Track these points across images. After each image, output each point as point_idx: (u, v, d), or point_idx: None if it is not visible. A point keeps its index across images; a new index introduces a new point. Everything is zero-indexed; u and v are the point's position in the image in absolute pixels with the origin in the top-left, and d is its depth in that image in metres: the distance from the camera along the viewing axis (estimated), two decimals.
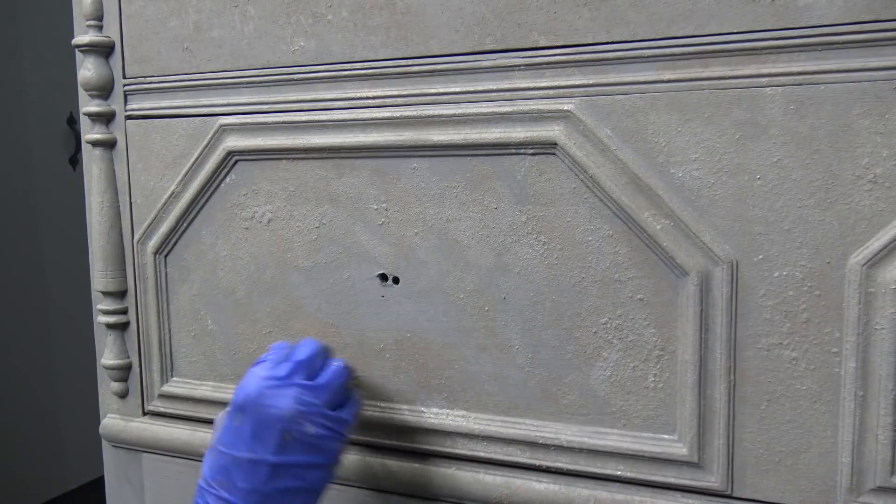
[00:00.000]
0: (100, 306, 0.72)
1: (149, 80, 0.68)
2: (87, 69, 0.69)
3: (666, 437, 0.54)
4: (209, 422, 0.70)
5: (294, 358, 0.52)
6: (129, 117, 0.69)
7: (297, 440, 0.49)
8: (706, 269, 0.51)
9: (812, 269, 0.49)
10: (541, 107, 0.54)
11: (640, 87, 0.51)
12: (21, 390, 2.45)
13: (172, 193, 0.68)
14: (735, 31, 0.49)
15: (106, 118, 0.70)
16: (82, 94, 0.71)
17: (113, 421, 0.74)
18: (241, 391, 0.51)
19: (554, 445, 0.57)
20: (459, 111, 0.57)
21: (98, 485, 2.39)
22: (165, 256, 0.70)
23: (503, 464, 0.59)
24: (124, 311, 0.72)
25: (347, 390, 0.55)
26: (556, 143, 0.54)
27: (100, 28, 0.69)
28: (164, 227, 0.69)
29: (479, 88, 0.56)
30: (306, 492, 0.49)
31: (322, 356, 0.54)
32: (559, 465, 0.57)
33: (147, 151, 0.69)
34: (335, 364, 0.54)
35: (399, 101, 0.59)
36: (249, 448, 0.48)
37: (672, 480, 0.54)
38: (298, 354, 0.53)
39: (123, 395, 0.74)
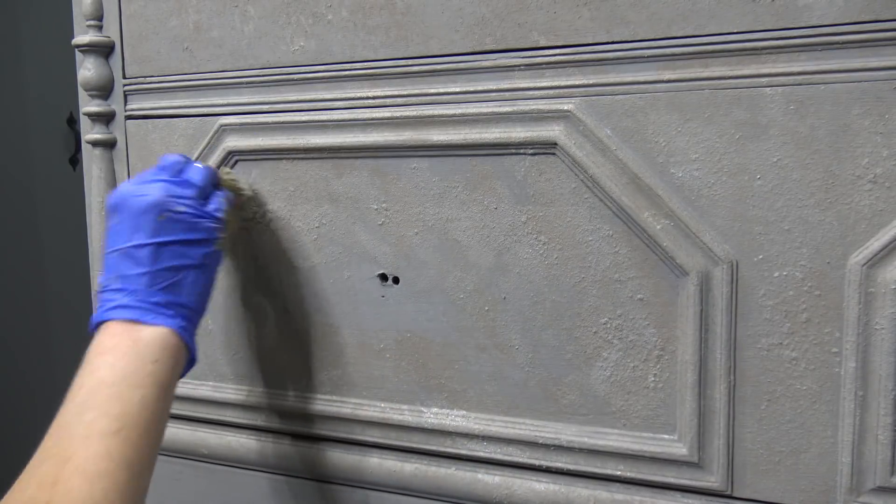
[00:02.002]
0: None
1: (149, 80, 0.68)
2: (87, 69, 0.69)
3: (666, 437, 0.54)
4: (209, 422, 0.70)
5: (157, 166, 0.56)
6: (129, 117, 0.69)
7: (172, 221, 0.51)
8: (706, 269, 0.51)
9: (812, 269, 0.49)
10: (541, 107, 0.54)
11: (640, 87, 0.51)
12: (21, 390, 2.45)
13: None
14: (735, 31, 0.49)
15: (106, 118, 0.70)
16: (82, 94, 0.71)
17: None
18: (111, 196, 0.54)
19: (554, 445, 0.57)
20: (459, 111, 0.57)
21: None
22: None
23: (503, 464, 0.59)
24: None
25: (215, 188, 0.58)
26: (556, 143, 0.54)
27: (100, 28, 0.69)
28: None
29: (479, 88, 0.56)
30: (193, 269, 0.52)
31: (185, 161, 0.57)
32: (559, 465, 0.57)
33: (147, 151, 0.69)
34: (198, 164, 0.57)
35: (399, 101, 0.59)
36: (129, 238, 0.51)
37: (672, 480, 0.54)
38: (161, 162, 0.56)
39: None
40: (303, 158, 0.63)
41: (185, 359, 0.52)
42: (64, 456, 0.44)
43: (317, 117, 0.61)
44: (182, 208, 0.52)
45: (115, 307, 0.50)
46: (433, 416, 0.61)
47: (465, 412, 0.60)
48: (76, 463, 0.43)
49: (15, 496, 0.43)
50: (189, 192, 0.54)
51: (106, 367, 0.48)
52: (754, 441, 0.51)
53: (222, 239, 0.56)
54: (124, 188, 0.53)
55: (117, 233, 0.52)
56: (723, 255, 0.50)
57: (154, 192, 0.52)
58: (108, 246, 0.52)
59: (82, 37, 0.69)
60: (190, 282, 0.52)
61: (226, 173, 0.61)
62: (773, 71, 0.48)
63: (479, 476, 0.59)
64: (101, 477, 0.43)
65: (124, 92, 0.69)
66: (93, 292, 0.73)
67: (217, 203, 0.56)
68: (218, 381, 0.69)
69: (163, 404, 0.49)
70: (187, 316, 0.52)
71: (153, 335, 0.49)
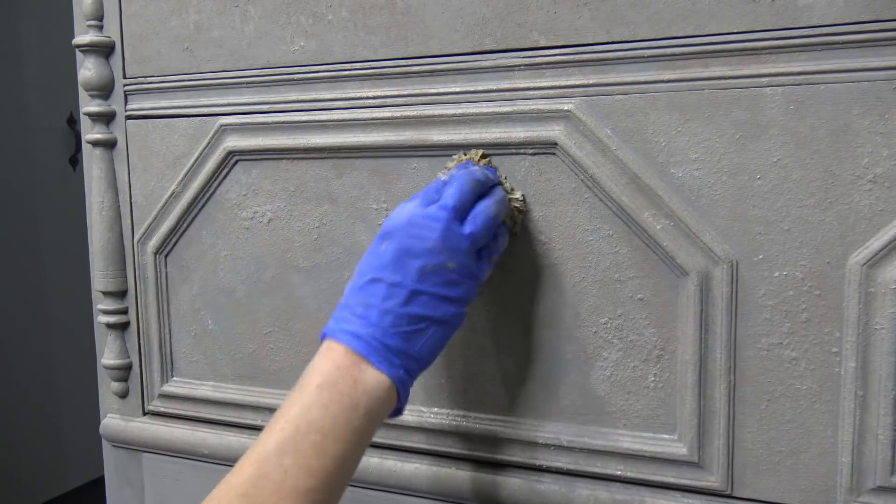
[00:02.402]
0: (100, 306, 0.72)
1: (149, 80, 0.68)
2: (88, 69, 0.69)
3: (666, 437, 0.54)
4: (209, 422, 0.70)
5: (445, 201, 0.51)
6: (129, 117, 0.69)
7: (437, 273, 0.49)
8: (706, 269, 0.51)
9: (812, 269, 0.49)
10: (541, 107, 0.54)
11: (640, 87, 0.51)
12: (21, 390, 2.45)
13: (173, 193, 0.68)
14: (735, 31, 0.49)
15: (106, 118, 0.70)
16: (82, 94, 0.71)
17: (113, 421, 0.74)
18: (390, 220, 0.50)
19: (554, 445, 0.57)
20: (459, 111, 0.57)
21: (98, 485, 2.39)
22: (165, 256, 0.70)
23: (503, 464, 0.59)
24: (124, 311, 0.72)
25: (496, 235, 0.53)
26: (556, 143, 0.54)
27: (100, 28, 0.69)
28: (164, 227, 0.69)
29: (479, 88, 0.56)
30: (436, 323, 0.49)
31: (473, 198, 0.52)
32: (559, 465, 0.57)
33: (147, 151, 0.69)
34: (481, 207, 0.51)
35: (399, 101, 0.59)
36: (391, 271, 0.48)
37: (672, 480, 0.54)
38: (449, 198, 0.51)
39: (123, 395, 0.74)
40: (303, 158, 0.63)
41: (392, 411, 0.49)
42: (253, 500, 0.43)
43: (317, 117, 0.61)
44: (453, 265, 0.49)
45: (349, 332, 0.48)
46: (433, 416, 0.61)
47: (465, 412, 0.60)
48: None
49: None
50: (465, 244, 0.50)
51: (319, 408, 0.45)
52: (754, 441, 0.51)
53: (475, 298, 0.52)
54: (404, 216, 0.50)
55: (380, 258, 0.49)
56: (723, 255, 0.50)
57: (432, 236, 0.49)
58: (368, 264, 0.50)
59: (82, 37, 0.69)
60: (429, 335, 0.49)
61: (515, 200, 0.55)
62: (773, 71, 0.48)
63: (480, 476, 0.59)
64: None
65: (124, 92, 0.69)
66: (93, 291, 0.73)
67: (487, 263, 0.52)
68: (218, 381, 0.69)
69: (357, 461, 0.47)
70: (412, 370, 0.49)
71: (373, 383, 0.47)
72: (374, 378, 0.47)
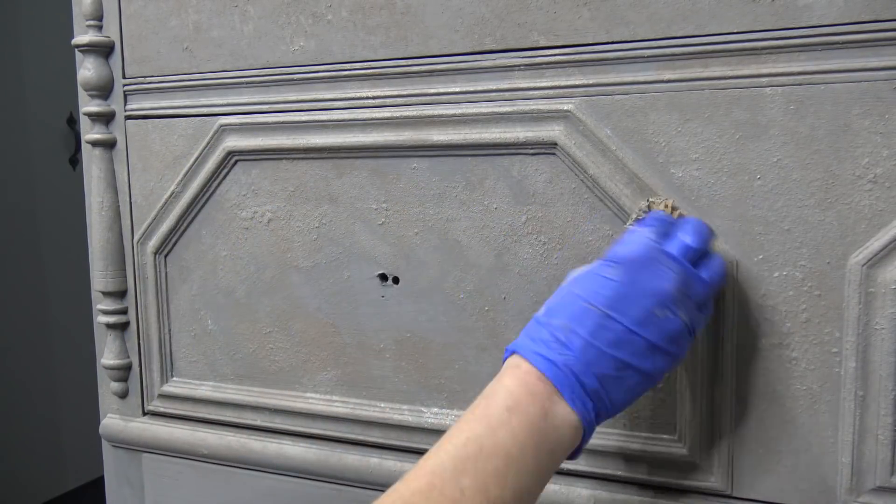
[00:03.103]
0: (100, 306, 0.72)
1: (149, 80, 0.68)
2: (87, 69, 0.69)
3: (666, 437, 0.54)
4: (209, 422, 0.70)
5: (684, 240, 0.46)
6: (128, 117, 0.69)
7: (663, 321, 0.43)
8: None
9: (812, 269, 0.49)
10: (541, 107, 0.54)
11: (640, 87, 0.51)
12: (21, 390, 2.45)
13: (172, 193, 0.68)
14: (735, 31, 0.49)
15: (106, 118, 0.70)
16: (82, 94, 0.71)
17: (113, 421, 0.74)
18: (626, 246, 0.45)
19: None
20: (459, 111, 0.57)
21: (98, 485, 2.39)
22: (165, 256, 0.70)
23: None
24: (124, 311, 0.72)
25: (718, 291, 0.49)
26: (556, 143, 0.54)
27: (100, 28, 0.69)
28: (164, 227, 0.69)
29: (479, 88, 0.56)
30: (641, 374, 0.44)
31: (704, 250, 0.47)
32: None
33: (147, 151, 0.69)
34: (717, 261, 0.47)
35: (399, 101, 0.58)
36: (611, 303, 0.43)
37: (672, 480, 0.54)
38: (689, 237, 0.46)
39: (123, 395, 0.74)
40: (303, 158, 0.63)
41: (573, 451, 0.45)
42: None
43: (317, 117, 0.61)
44: (684, 316, 0.44)
45: (543, 356, 0.43)
46: (433, 416, 0.61)
47: (465, 412, 0.60)
48: None
49: None
50: (698, 294, 0.45)
51: (507, 432, 0.41)
52: (754, 441, 0.51)
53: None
54: (642, 247, 0.45)
55: (601, 286, 0.44)
56: (722, 254, 0.50)
57: (670, 278, 0.44)
58: (585, 287, 0.44)
59: (82, 37, 0.69)
60: (629, 385, 0.44)
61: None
62: (773, 71, 0.48)
63: None
64: None
65: (124, 92, 0.69)
66: (93, 291, 0.73)
67: (705, 317, 0.47)
68: (218, 381, 0.69)
69: (537, 496, 0.43)
70: (602, 415, 0.44)
71: (564, 421, 0.42)
72: (564, 414, 0.42)
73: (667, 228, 0.47)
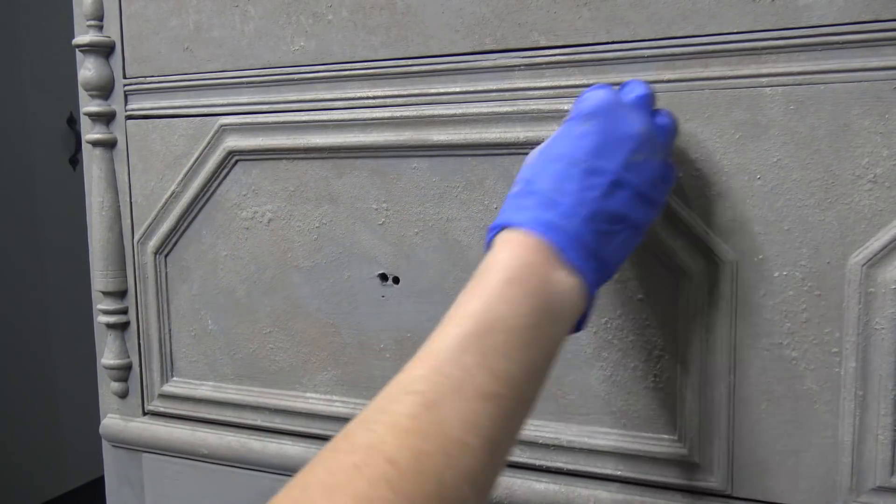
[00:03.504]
0: (100, 306, 0.72)
1: (149, 80, 0.68)
2: (88, 69, 0.69)
3: (666, 437, 0.54)
4: (209, 422, 0.70)
5: (635, 91, 0.46)
6: (129, 117, 0.69)
7: (643, 166, 0.42)
8: (706, 269, 0.51)
9: (812, 269, 0.49)
10: (541, 107, 0.54)
11: None
12: (21, 390, 2.45)
13: (172, 193, 0.68)
14: (735, 31, 0.49)
15: (106, 118, 0.70)
16: (82, 94, 0.71)
17: (113, 421, 0.74)
18: (589, 101, 0.44)
19: (554, 445, 0.57)
20: (459, 111, 0.57)
21: (98, 485, 2.39)
22: (165, 256, 0.70)
23: None
24: (124, 311, 0.72)
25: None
26: None
27: (100, 28, 0.69)
28: (164, 227, 0.69)
29: (479, 88, 0.56)
30: (631, 226, 0.43)
31: (653, 102, 0.47)
32: (559, 465, 0.57)
33: (147, 151, 0.69)
34: (665, 111, 0.48)
35: (399, 101, 0.59)
36: (594, 155, 0.42)
37: (672, 480, 0.54)
38: (639, 88, 0.46)
39: (123, 395, 0.74)
40: (303, 158, 0.63)
41: (577, 322, 0.42)
42: (429, 398, 0.35)
43: (317, 117, 0.61)
44: (659, 156, 0.43)
45: (540, 221, 0.40)
46: None
47: None
48: (440, 415, 0.35)
49: (360, 425, 0.36)
50: (663, 138, 0.45)
51: (506, 305, 0.38)
52: (754, 441, 0.51)
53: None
54: (606, 98, 0.44)
55: (576, 144, 0.42)
56: (723, 255, 0.50)
57: (641, 120, 0.43)
58: (561, 147, 0.43)
59: (82, 37, 0.69)
60: (622, 239, 0.42)
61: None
62: (773, 71, 0.48)
63: None
64: (457, 445, 0.34)
65: (124, 92, 0.69)
66: (93, 291, 0.73)
67: (672, 170, 0.47)
68: (218, 381, 0.69)
69: (544, 375, 0.40)
70: (601, 276, 0.42)
71: (566, 286, 0.40)
72: (566, 279, 0.40)
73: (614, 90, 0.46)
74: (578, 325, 0.43)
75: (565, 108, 0.53)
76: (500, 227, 0.42)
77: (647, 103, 0.45)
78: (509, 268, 0.39)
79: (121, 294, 0.72)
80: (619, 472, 0.55)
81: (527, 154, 0.55)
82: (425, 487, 0.33)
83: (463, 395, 0.35)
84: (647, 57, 0.51)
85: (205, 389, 0.70)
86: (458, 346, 0.37)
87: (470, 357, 0.37)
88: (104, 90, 0.70)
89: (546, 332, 0.39)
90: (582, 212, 0.41)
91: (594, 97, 0.44)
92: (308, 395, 0.65)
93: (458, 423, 0.35)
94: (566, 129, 0.44)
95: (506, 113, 0.55)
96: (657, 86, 0.51)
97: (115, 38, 0.69)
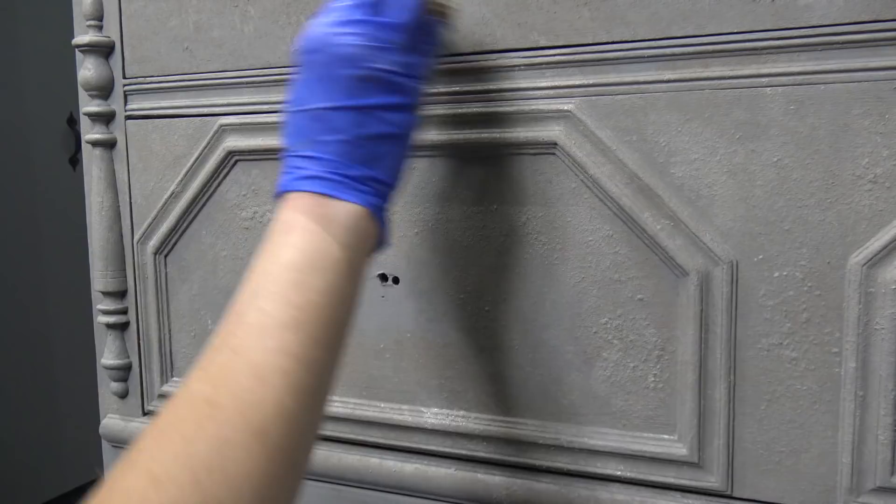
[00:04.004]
0: (100, 306, 0.72)
1: (149, 80, 0.68)
2: (87, 69, 0.69)
3: (666, 437, 0.54)
4: None
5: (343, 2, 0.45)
6: (129, 117, 0.69)
7: (372, 79, 0.43)
8: (706, 269, 0.51)
9: (812, 269, 0.49)
10: (541, 107, 0.54)
11: (640, 87, 0.51)
12: (21, 390, 2.45)
13: (172, 193, 0.68)
14: (735, 31, 0.49)
15: (106, 118, 0.70)
16: (82, 94, 0.71)
17: (113, 421, 0.74)
18: (303, 38, 0.45)
19: (554, 445, 0.57)
20: (459, 111, 0.57)
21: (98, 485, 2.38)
22: (165, 256, 0.70)
23: (503, 464, 0.59)
24: (124, 311, 0.72)
25: (426, 25, 0.47)
26: (556, 143, 0.54)
27: (100, 28, 0.69)
28: (164, 227, 0.69)
29: (479, 88, 0.56)
30: (393, 139, 0.44)
31: None
32: (559, 465, 0.57)
33: (147, 151, 0.69)
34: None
35: None
36: (324, 97, 0.43)
37: (672, 480, 0.54)
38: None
39: (123, 395, 0.74)
40: None
41: (375, 242, 0.45)
42: (234, 347, 0.38)
43: None
44: (386, 65, 0.43)
45: (306, 177, 0.43)
46: (433, 416, 0.61)
47: (465, 412, 0.60)
48: (247, 357, 0.37)
49: (182, 390, 0.38)
50: (391, 36, 0.44)
51: (288, 248, 0.41)
52: (754, 441, 0.51)
53: (424, 101, 0.47)
54: (316, 30, 0.44)
55: (308, 88, 0.44)
56: (723, 255, 0.50)
57: (353, 39, 0.43)
58: (297, 103, 0.45)
59: (82, 37, 0.69)
60: (388, 153, 0.44)
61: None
62: (773, 71, 0.48)
63: (479, 476, 0.59)
64: (273, 374, 0.37)
65: (124, 92, 0.69)
66: (93, 291, 0.73)
67: (424, 53, 0.46)
68: None
69: (350, 293, 0.42)
70: (382, 193, 0.44)
71: (345, 213, 0.42)
72: (344, 209, 0.42)
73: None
74: (382, 242, 0.46)
75: (565, 108, 0.53)
76: (281, 194, 0.44)
77: (363, 9, 0.44)
78: (285, 223, 0.42)
79: (121, 294, 0.72)
80: (619, 473, 0.55)
81: (527, 154, 0.55)
82: (246, 411, 0.36)
83: (264, 334, 0.38)
84: (647, 57, 0.51)
85: None
86: (251, 297, 0.40)
87: (264, 300, 0.39)
88: (104, 90, 0.70)
89: (338, 256, 0.41)
90: (341, 151, 0.43)
91: (305, 35, 0.45)
92: None
93: (263, 357, 0.37)
94: (295, 80, 0.45)
95: (506, 113, 0.55)
96: (657, 86, 0.51)
97: (115, 38, 0.69)
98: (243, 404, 0.36)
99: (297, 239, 0.41)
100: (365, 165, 0.43)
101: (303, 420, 0.38)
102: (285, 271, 0.40)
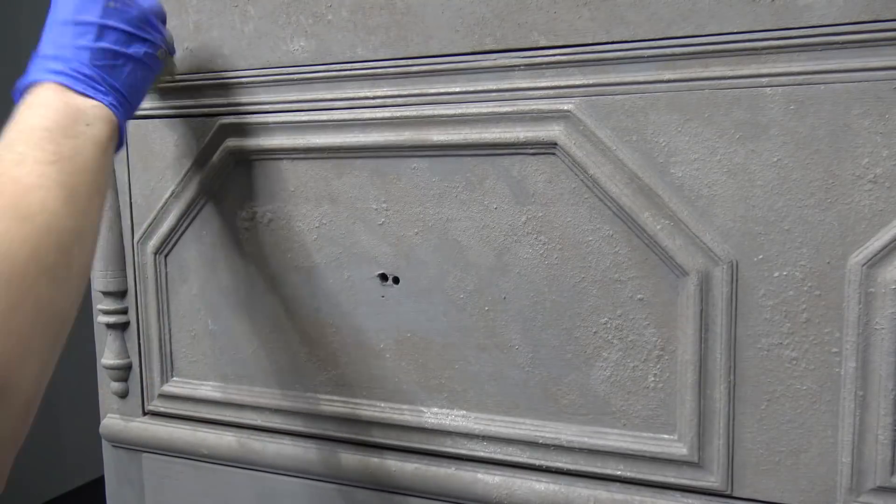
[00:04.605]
0: (100, 306, 0.72)
1: None
2: None
3: (666, 437, 0.54)
4: (209, 422, 0.70)
5: None
6: None
7: (120, 11, 0.53)
8: (706, 269, 0.51)
9: (812, 269, 0.49)
10: (541, 107, 0.54)
11: (640, 87, 0.51)
12: None
13: (172, 193, 0.68)
14: (735, 31, 0.49)
15: None
16: None
17: (113, 421, 0.74)
18: None
19: (554, 445, 0.57)
20: (459, 111, 0.57)
21: (98, 485, 2.39)
22: (165, 256, 0.70)
23: (503, 464, 0.59)
24: (124, 311, 0.72)
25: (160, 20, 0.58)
26: (556, 143, 0.54)
27: None
28: (164, 227, 0.69)
29: (479, 88, 0.56)
30: (132, 61, 0.53)
31: None
32: (559, 465, 0.57)
33: (147, 151, 0.69)
34: None
35: (399, 101, 0.58)
36: (77, 12, 0.52)
37: (672, 480, 0.54)
38: None
39: (123, 395, 0.74)
40: (303, 158, 0.63)
41: (115, 139, 0.52)
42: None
43: (317, 117, 0.61)
44: (132, 6, 0.54)
45: (49, 71, 0.50)
46: (433, 416, 0.61)
47: (465, 412, 0.60)
48: (9, 175, 0.43)
49: None
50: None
51: (37, 117, 0.47)
52: (754, 441, 0.51)
53: (162, 54, 0.57)
54: None
55: (65, 6, 0.52)
56: (723, 255, 0.50)
57: None
58: (52, 14, 0.53)
59: None
60: (127, 71, 0.53)
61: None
62: (773, 71, 0.48)
63: (480, 476, 0.59)
64: (35, 189, 0.42)
65: None
66: (93, 291, 0.73)
67: (160, 26, 0.57)
68: (218, 381, 0.69)
69: (99, 164, 0.48)
70: (119, 100, 0.52)
71: (85, 104, 0.50)
72: (84, 101, 0.50)
73: None
74: (119, 143, 0.52)
75: (565, 108, 0.53)
76: (24, 87, 0.50)
77: None
78: (31, 102, 0.48)
79: (121, 294, 0.72)
80: (619, 473, 0.55)
81: (527, 154, 0.55)
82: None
83: (24, 165, 0.44)
84: (647, 57, 0.51)
85: (205, 389, 0.70)
86: (6, 146, 0.45)
87: (21, 146, 0.45)
88: None
89: (82, 129, 0.48)
90: (81, 56, 0.51)
91: None
92: (308, 395, 0.65)
93: (25, 177, 0.43)
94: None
95: (506, 113, 0.55)
96: (657, 86, 0.51)
97: None
98: (13, 197, 0.42)
99: (43, 111, 0.48)
100: (104, 72, 0.52)
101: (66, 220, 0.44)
102: (38, 131, 0.46)
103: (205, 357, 0.70)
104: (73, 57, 0.51)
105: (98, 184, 0.48)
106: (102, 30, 0.52)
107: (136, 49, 0.54)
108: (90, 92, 0.50)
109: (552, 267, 0.56)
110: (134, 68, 0.53)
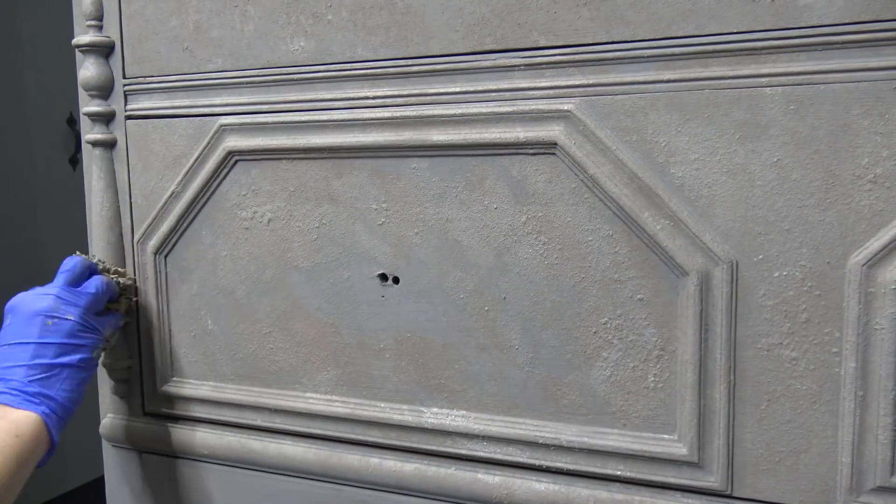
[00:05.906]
0: None
1: (149, 80, 0.68)
2: (87, 69, 0.69)
3: (666, 437, 0.54)
4: (209, 422, 0.70)
5: (59, 270, 0.64)
6: (129, 117, 0.69)
7: (58, 327, 0.61)
8: (706, 269, 0.51)
9: (812, 269, 0.49)
10: (541, 107, 0.54)
11: (640, 87, 0.51)
12: None
13: (172, 193, 0.68)
14: (735, 31, 0.49)
15: (106, 118, 0.70)
16: (82, 94, 0.71)
17: (113, 421, 0.74)
18: (12, 301, 0.62)
19: (554, 445, 0.57)
20: (459, 111, 0.57)
21: (98, 485, 2.39)
22: (165, 256, 0.70)
23: (503, 464, 0.59)
24: None
25: (109, 307, 0.67)
26: (556, 143, 0.54)
27: (100, 28, 0.69)
28: (164, 227, 0.69)
29: (479, 88, 0.56)
30: (68, 369, 0.61)
31: (86, 271, 0.65)
32: (559, 465, 0.57)
33: (147, 151, 0.69)
34: (97, 278, 0.65)
35: (399, 101, 0.59)
36: (16, 336, 0.60)
37: (672, 480, 0.54)
38: (62, 267, 0.64)
39: (123, 395, 0.74)
40: (303, 158, 0.63)
41: (47, 446, 0.59)
42: None
43: (317, 117, 0.61)
44: (70, 316, 0.61)
45: None
46: (433, 416, 0.61)
47: (465, 412, 0.60)
48: None
49: None
50: (81, 300, 0.62)
51: None
52: (754, 441, 0.51)
53: (101, 348, 0.64)
54: (22, 296, 0.63)
55: (8, 331, 0.61)
56: (723, 255, 0.50)
57: (47, 299, 0.61)
58: (1, 339, 0.61)
59: (82, 37, 0.69)
60: (63, 378, 0.60)
61: (116, 273, 0.70)
62: (773, 71, 0.48)
63: (479, 476, 0.59)
64: None
65: (124, 92, 0.69)
66: None
67: (109, 318, 0.66)
68: (218, 381, 0.69)
69: (15, 479, 0.56)
70: (54, 408, 0.59)
71: (19, 416, 0.57)
72: (18, 414, 0.58)
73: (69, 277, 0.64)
74: (53, 447, 0.61)
75: (565, 108, 0.53)
76: None
77: (63, 283, 0.63)
78: None
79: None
80: (619, 473, 0.55)
81: (527, 154, 0.55)
82: None
83: None
84: (647, 57, 0.51)
85: (205, 389, 0.70)
86: None
87: None
88: (104, 90, 0.70)
89: (9, 443, 0.56)
90: (18, 374, 0.59)
91: (12, 299, 0.63)
92: (308, 395, 0.65)
93: None
94: (3, 324, 0.63)
95: (506, 113, 0.55)
96: (657, 86, 0.51)
97: (115, 38, 0.69)
98: None
99: None
100: (40, 385, 0.59)
101: None
102: None
103: (205, 357, 0.70)
104: (11, 377, 0.59)
105: (8, 488, 0.56)
106: (39, 347, 0.60)
107: (72, 358, 0.61)
108: (24, 406, 0.58)
109: (552, 267, 0.56)
110: (70, 374, 0.61)
